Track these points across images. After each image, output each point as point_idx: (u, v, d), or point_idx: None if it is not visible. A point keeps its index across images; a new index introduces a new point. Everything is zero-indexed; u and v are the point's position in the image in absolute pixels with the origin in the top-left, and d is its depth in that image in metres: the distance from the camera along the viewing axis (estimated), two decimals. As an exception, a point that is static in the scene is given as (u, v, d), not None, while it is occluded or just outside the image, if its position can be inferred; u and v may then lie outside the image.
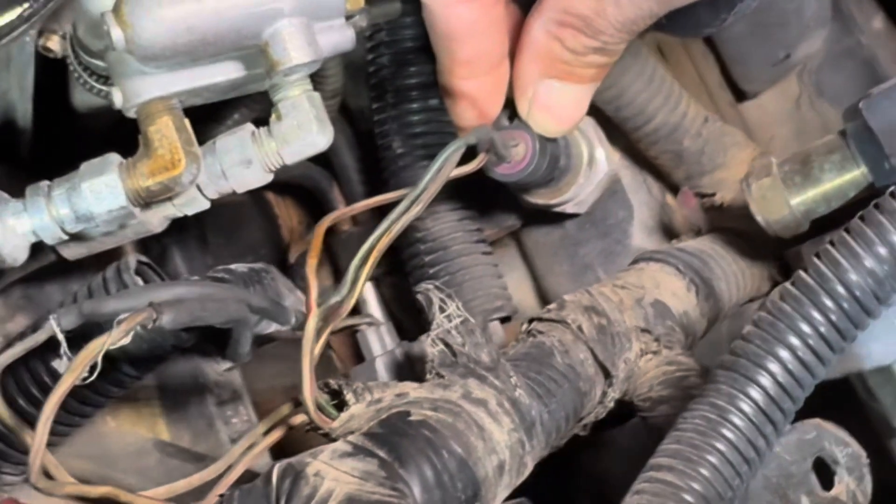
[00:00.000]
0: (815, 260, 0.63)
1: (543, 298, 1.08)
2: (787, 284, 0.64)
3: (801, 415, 0.89)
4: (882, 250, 0.62)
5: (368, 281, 1.11)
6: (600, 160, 0.97)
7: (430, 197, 0.73)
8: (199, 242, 1.10)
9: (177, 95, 0.83)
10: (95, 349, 0.61)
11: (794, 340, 0.62)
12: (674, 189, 1.02)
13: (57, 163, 0.89)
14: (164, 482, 0.70)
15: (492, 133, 0.80)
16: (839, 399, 0.89)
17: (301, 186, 1.18)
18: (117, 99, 0.83)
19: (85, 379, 0.61)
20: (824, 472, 0.70)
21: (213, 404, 0.95)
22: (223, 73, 0.84)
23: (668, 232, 1.02)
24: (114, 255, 1.02)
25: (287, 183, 1.18)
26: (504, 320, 0.99)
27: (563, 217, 1.02)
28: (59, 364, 0.70)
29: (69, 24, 0.90)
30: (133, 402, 0.94)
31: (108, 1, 0.81)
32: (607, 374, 0.79)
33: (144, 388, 0.95)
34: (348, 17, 0.84)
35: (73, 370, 0.60)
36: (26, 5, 0.81)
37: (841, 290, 0.62)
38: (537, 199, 0.97)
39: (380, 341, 0.92)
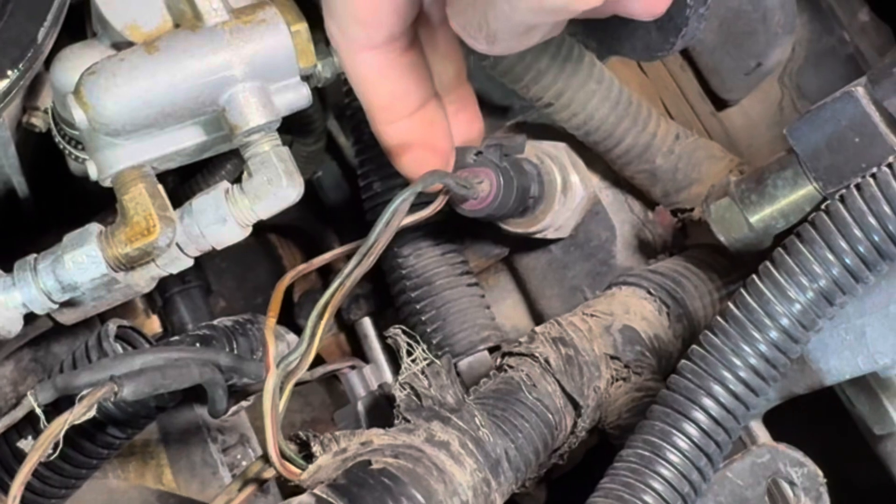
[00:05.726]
0: (742, 291, 0.64)
1: (538, 322, 1.09)
2: (718, 317, 0.65)
3: (794, 423, 0.90)
4: (804, 280, 0.62)
5: (367, 317, 1.15)
6: (575, 185, 0.98)
7: (381, 248, 0.75)
8: (201, 291, 1.14)
9: (148, 163, 0.87)
10: (57, 428, 0.64)
11: (726, 373, 0.63)
12: (655, 206, 1.03)
13: (69, 222, 0.94)
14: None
15: (446, 176, 0.81)
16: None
17: (299, 227, 1.22)
18: (92, 171, 0.87)
19: (49, 456, 0.64)
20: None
21: (216, 451, 0.98)
22: (190, 138, 0.87)
23: (652, 249, 1.02)
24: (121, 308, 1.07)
25: (287, 225, 1.22)
26: (493, 350, 1.01)
27: (548, 242, 1.04)
28: (24, 444, 0.74)
29: (49, 100, 0.94)
30: (140, 455, 0.98)
31: (75, 79, 0.85)
32: (576, 405, 0.81)
33: (150, 441, 0.98)
34: (305, 76, 0.87)
35: (37, 448, 0.64)
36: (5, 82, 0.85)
37: (767, 321, 0.62)
38: (515, 228, 0.98)
39: (362, 382, 0.95)
